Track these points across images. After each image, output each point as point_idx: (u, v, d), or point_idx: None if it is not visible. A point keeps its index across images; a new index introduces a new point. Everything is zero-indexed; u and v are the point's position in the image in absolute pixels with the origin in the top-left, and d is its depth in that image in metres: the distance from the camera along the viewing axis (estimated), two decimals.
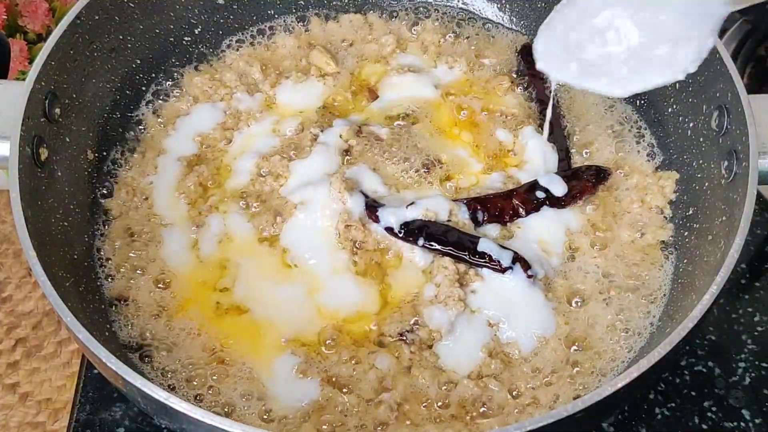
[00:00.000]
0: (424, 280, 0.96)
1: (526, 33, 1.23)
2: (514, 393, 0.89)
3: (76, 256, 0.94)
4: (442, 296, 0.93)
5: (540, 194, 1.01)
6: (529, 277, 0.94)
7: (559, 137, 1.08)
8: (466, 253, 0.96)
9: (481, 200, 1.01)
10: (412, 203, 1.00)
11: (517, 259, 0.95)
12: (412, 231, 0.98)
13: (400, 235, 0.98)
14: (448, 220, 0.99)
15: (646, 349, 0.90)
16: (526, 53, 1.17)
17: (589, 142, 1.09)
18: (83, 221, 0.99)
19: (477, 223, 1.00)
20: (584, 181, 1.02)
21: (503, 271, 0.95)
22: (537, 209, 1.01)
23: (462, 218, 0.99)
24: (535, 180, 1.03)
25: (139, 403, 0.77)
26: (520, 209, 1.00)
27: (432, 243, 0.96)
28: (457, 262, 0.96)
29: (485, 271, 0.96)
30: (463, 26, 1.24)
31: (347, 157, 1.07)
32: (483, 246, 0.96)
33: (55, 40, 0.94)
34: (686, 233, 0.99)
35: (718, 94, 0.93)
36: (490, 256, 0.95)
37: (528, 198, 1.01)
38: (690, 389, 1.01)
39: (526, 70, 1.15)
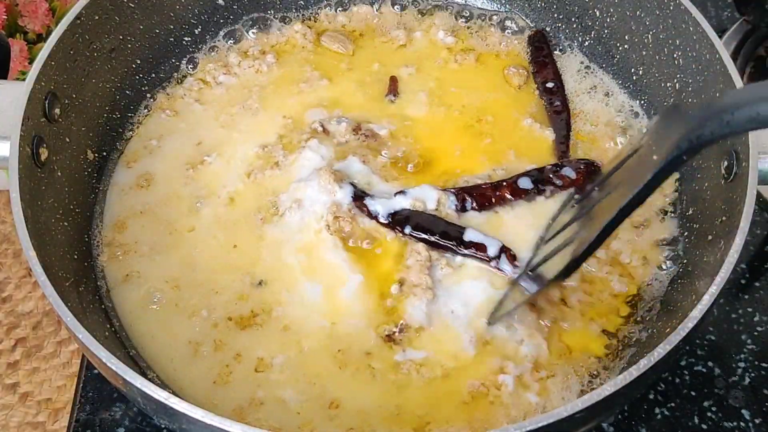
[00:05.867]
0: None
1: (533, 23, 1.23)
2: (513, 392, 0.89)
3: (76, 256, 0.94)
4: (411, 281, 0.93)
5: (529, 185, 1.01)
6: (516, 267, 0.94)
7: (560, 127, 1.09)
8: (453, 243, 0.96)
9: (469, 190, 1.01)
10: (400, 192, 1.00)
11: (504, 249, 0.95)
12: (399, 221, 0.98)
13: (387, 225, 0.98)
14: (436, 209, 0.99)
15: (646, 349, 0.90)
16: (536, 40, 1.17)
17: (587, 137, 1.09)
18: (83, 221, 0.99)
19: (463, 210, 1.00)
20: (574, 173, 1.02)
21: (490, 260, 0.95)
22: (527, 199, 1.01)
23: (449, 208, 0.99)
24: (526, 171, 1.03)
25: (139, 403, 0.77)
26: (510, 199, 1.00)
27: (419, 232, 0.97)
28: (432, 249, 0.96)
29: (469, 261, 0.96)
30: (468, 18, 1.24)
31: (338, 148, 1.06)
32: (470, 236, 0.96)
33: (55, 40, 0.94)
34: (686, 233, 0.99)
35: (718, 95, 0.93)
36: (476, 246, 0.95)
37: (517, 189, 1.01)
38: (690, 389, 1.01)
39: (534, 59, 1.16)
